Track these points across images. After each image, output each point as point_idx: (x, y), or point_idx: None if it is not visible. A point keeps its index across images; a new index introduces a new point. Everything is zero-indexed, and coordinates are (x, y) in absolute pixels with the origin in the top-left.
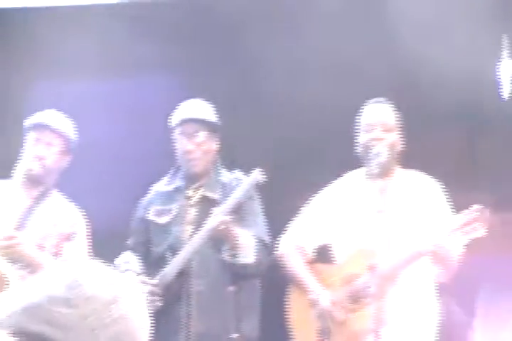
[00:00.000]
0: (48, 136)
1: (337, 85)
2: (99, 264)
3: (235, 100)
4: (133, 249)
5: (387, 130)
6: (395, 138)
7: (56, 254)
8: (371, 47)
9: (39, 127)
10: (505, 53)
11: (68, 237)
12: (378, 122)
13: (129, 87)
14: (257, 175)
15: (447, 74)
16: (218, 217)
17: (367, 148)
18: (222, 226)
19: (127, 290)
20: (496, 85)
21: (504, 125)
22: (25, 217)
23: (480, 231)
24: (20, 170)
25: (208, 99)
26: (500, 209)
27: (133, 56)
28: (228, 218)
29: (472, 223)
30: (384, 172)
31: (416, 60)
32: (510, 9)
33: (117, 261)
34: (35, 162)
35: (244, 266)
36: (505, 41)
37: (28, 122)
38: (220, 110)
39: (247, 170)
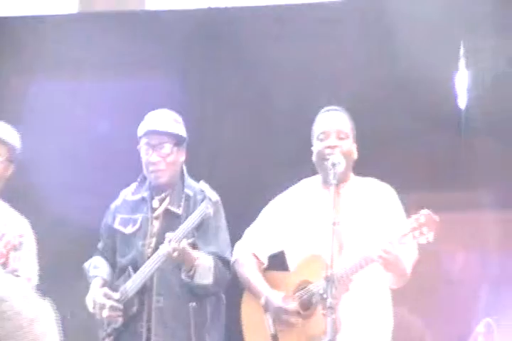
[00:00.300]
0: None
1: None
2: (21, 282)
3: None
4: (102, 254)
5: (342, 137)
6: (350, 145)
7: (4, 264)
8: (333, 58)
9: None
10: (462, 63)
11: (15, 247)
12: (333, 129)
13: (111, 91)
14: (205, 208)
15: (406, 83)
16: (172, 244)
17: (322, 155)
18: (175, 254)
19: (45, 310)
20: (454, 94)
21: (461, 133)
22: None
23: (428, 236)
24: None
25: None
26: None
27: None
28: (182, 245)
29: (420, 228)
30: (340, 180)
31: (375, 69)
32: (469, 20)
33: (86, 264)
34: None
35: (203, 287)
36: (461, 52)
37: None
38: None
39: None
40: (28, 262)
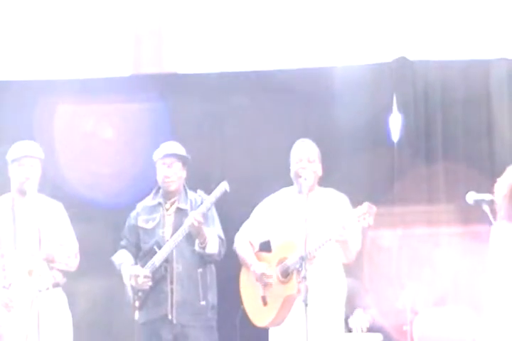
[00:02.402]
0: (30, 161)
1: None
2: None
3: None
4: (125, 248)
5: (311, 161)
6: (316, 167)
7: (52, 261)
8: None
9: (23, 157)
10: (394, 108)
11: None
12: (304, 155)
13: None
14: (225, 185)
15: (358, 123)
16: (195, 216)
17: (297, 173)
18: (197, 223)
19: None
20: (388, 131)
21: (394, 156)
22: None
23: (369, 220)
24: (14, 187)
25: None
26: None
27: None
28: (201, 218)
29: (364, 214)
30: (308, 190)
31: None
32: (399, 75)
33: (114, 257)
34: (27, 180)
35: (211, 255)
36: (394, 100)
37: (11, 156)
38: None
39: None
40: (67, 241)
